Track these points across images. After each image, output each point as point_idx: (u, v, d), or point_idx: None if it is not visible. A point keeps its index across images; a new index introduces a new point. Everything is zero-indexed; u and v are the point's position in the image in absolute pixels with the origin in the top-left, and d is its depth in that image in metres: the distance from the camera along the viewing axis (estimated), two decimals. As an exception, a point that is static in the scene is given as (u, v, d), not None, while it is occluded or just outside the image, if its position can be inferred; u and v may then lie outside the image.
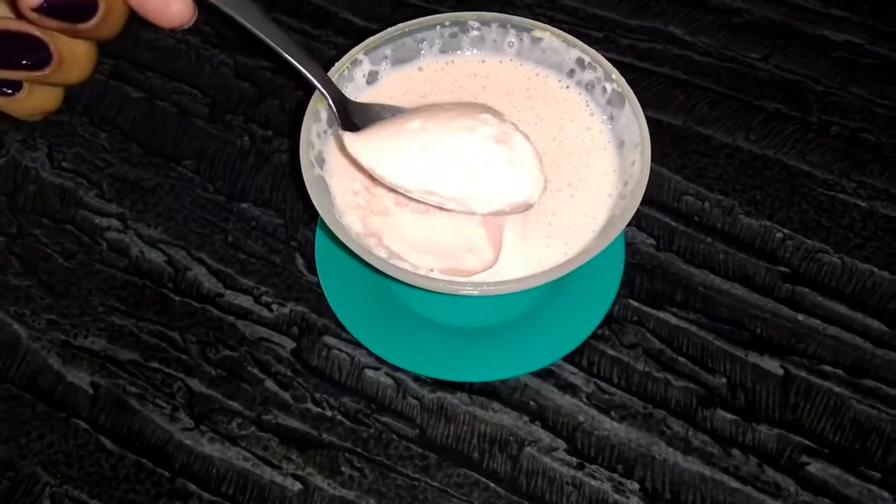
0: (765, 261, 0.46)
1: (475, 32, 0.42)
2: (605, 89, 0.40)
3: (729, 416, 0.41)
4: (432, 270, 0.36)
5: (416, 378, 0.42)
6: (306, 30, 0.57)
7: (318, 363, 0.43)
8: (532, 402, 0.41)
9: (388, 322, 0.44)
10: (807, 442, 0.40)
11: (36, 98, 0.28)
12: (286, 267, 0.47)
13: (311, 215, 0.48)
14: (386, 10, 0.58)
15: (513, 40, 0.42)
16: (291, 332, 0.44)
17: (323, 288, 0.44)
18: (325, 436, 0.41)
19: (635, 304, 0.44)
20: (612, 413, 0.41)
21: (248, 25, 0.32)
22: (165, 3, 0.27)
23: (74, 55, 0.27)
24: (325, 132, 0.39)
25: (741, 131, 0.51)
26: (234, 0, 0.32)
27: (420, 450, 0.40)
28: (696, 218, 0.47)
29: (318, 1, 0.58)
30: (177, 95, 0.54)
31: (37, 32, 0.26)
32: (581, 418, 0.41)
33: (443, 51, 0.43)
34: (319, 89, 0.36)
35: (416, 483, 0.40)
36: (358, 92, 0.42)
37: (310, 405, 0.42)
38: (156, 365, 0.43)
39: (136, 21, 0.27)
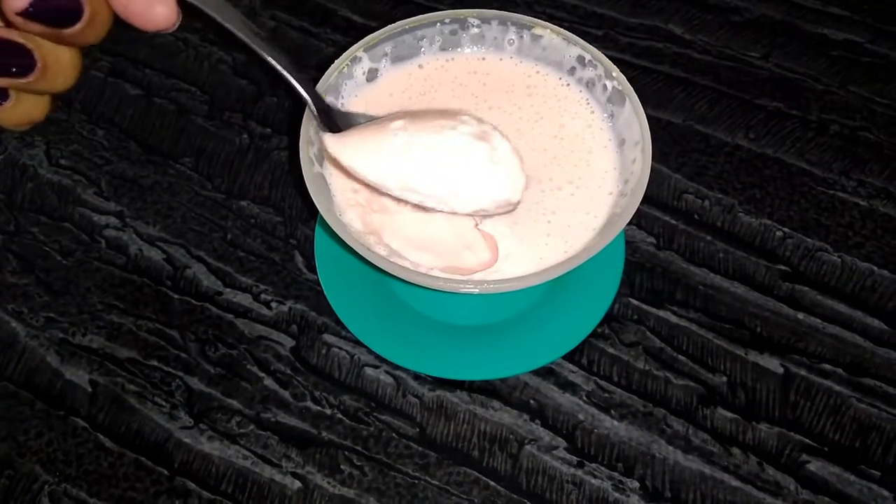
0: (765, 259, 0.46)
1: (475, 30, 0.42)
2: (605, 87, 0.40)
3: (729, 414, 0.41)
4: (432, 269, 0.36)
5: (416, 376, 0.42)
6: (305, 27, 0.57)
7: (318, 361, 0.43)
8: (532, 401, 0.41)
9: (388, 320, 0.44)
10: (807, 440, 0.40)
11: (22, 107, 0.28)
12: (285, 265, 0.46)
13: (311, 213, 0.48)
14: (385, 7, 0.58)
15: (513, 38, 0.42)
16: (291, 331, 0.44)
17: (322, 286, 0.44)
18: (324, 434, 0.41)
19: (635, 302, 0.44)
20: (613, 411, 0.41)
21: (234, 30, 0.32)
22: (149, 8, 0.27)
23: (59, 62, 0.27)
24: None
25: (741, 130, 0.51)
26: (218, 5, 0.31)
27: (420, 448, 0.40)
28: (695, 216, 0.47)
29: (318, -2, 0.58)
30: (175, 93, 0.54)
31: (21, 39, 0.25)
32: (581, 417, 0.41)
33: (443, 48, 0.43)
34: (300, 93, 0.35)
35: (416, 481, 0.40)
36: (357, 89, 0.41)
37: (309, 403, 0.42)
38: (155, 363, 0.43)
39: (119, 25, 0.27)
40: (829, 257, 0.46)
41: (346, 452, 0.40)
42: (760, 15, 0.56)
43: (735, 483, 0.39)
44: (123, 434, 0.41)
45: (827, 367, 0.42)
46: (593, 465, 0.40)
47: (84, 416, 0.42)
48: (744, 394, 0.41)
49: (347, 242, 0.34)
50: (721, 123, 0.51)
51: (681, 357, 0.42)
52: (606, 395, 0.41)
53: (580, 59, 0.41)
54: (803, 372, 0.42)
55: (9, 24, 0.25)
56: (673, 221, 0.47)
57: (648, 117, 0.37)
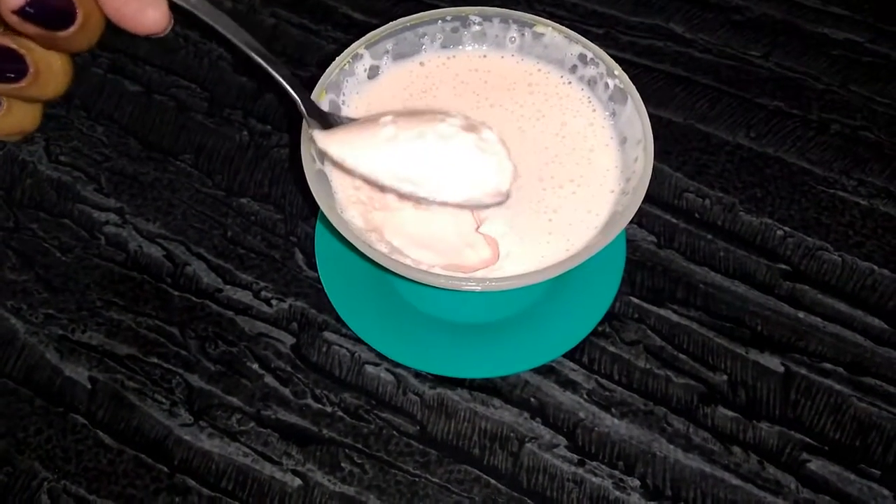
0: (765, 258, 0.46)
1: (477, 27, 0.42)
2: (607, 85, 0.40)
3: (730, 413, 0.41)
4: (433, 266, 0.36)
5: (417, 374, 0.42)
6: (306, 24, 0.57)
7: (318, 359, 0.43)
8: (533, 399, 0.41)
9: (389, 318, 0.44)
10: (807, 439, 0.40)
11: (14, 117, 0.28)
12: (286, 262, 0.46)
13: (311, 210, 0.48)
14: (386, 4, 0.57)
15: (514, 35, 0.42)
16: (291, 328, 0.44)
17: (323, 283, 0.44)
18: (325, 431, 0.41)
19: (636, 301, 0.44)
20: (613, 410, 0.41)
21: (223, 31, 0.32)
22: (140, 11, 0.27)
23: (50, 68, 0.27)
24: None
25: (742, 129, 0.51)
26: (211, 10, 0.31)
27: (420, 446, 0.40)
28: (696, 215, 0.47)
29: (318, -5, 0.58)
30: (175, 89, 0.54)
31: (13, 45, 0.26)
32: (582, 415, 0.41)
33: (444, 45, 0.43)
34: (289, 91, 0.35)
35: (417, 479, 0.39)
36: (359, 86, 0.41)
37: (310, 401, 0.42)
38: (154, 360, 0.43)
39: (111, 28, 0.27)
40: (830, 256, 0.46)
41: (347, 450, 0.40)
42: (761, 14, 0.56)
43: (735, 481, 0.39)
44: (123, 431, 0.41)
45: (827, 365, 0.42)
46: (594, 463, 0.40)
47: (83, 412, 0.42)
48: (744, 392, 0.41)
49: (349, 239, 0.34)
50: (722, 122, 0.51)
51: (681, 355, 0.42)
52: (607, 393, 0.41)
53: (582, 57, 0.41)
54: (804, 371, 0.42)
55: (4, 24, 0.25)
56: (674, 220, 0.47)
57: (649, 116, 0.37)
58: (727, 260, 0.46)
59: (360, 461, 0.40)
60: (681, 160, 0.50)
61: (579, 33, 0.40)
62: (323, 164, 0.38)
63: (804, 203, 0.48)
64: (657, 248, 0.46)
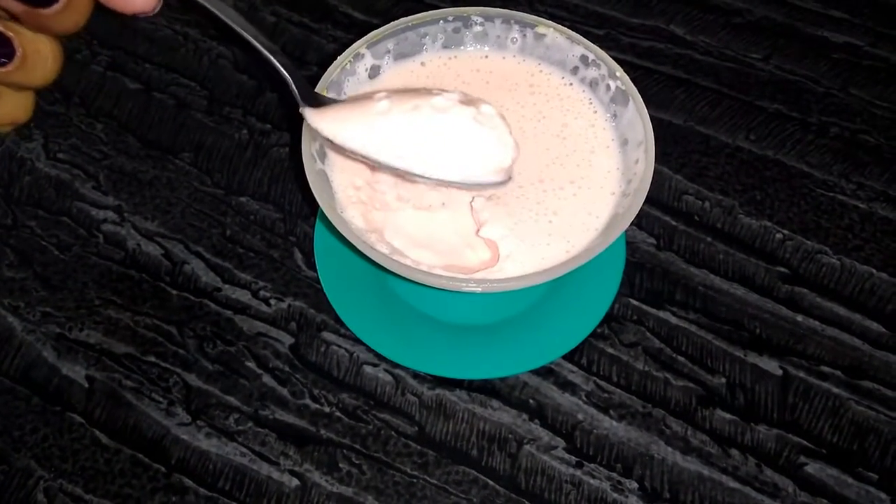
0: (764, 261, 0.46)
1: (478, 28, 0.42)
2: (608, 87, 0.40)
3: (728, 416, 0.41)
4: (433, 267, 0.36)
5: (415, 375, 0.42)
6: (306, 23, 0.56)
7: (317, 359, 0.43)
8: (531, 401, 0.41)
9: (387, 318, 0.44)
10: (805, 442, 0.40)
11: (5, 107, 0.28)
12: (285, 262, 0.46)
13: (311, 210, 0.48)
14: (386, 4, 0.57)
15: (516, 36, 0.42)
16: (290, 328, 0.44)
17: (322, 283, 0.44)
18: (323, 432, 0.41)
19: (635, 303, 0.44)
20: (612, 412, 0.41)
21: (214, 9, 0.31)
22: None
23: (38, 53, 0.26)
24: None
25: (742, 131, 0.51)
26: None
27: (419, 447, 0.40)
28: (696, 217, 0.47)
29: (319, -6, 0.58)
30: (174, 87, 0.54)
31: (0, 28, 0.25)
32: (580, 417, 0.41)
33: (445, 46, 0.43)
34: (276, 65, 0.34)
35: (415, 480, 0.39)
36: (360, 86, 0.41)
37: (308, 401, 0.42)
38: (152, 359, 0.43)
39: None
40: (829, 260, 0.46)
41: (345, 450, 0.40)
42: (762, 17, 0.56)
43: (733, 484, 0.39)
44: (120, 430, 0.41)
45: (826, 369, 0.42)
46: (592, 465, 0.40)
47: (80, 411, 0.42)
48: (743, 395, 0.41)
49: (349, 239, 0.34)
50: (722, 125, 0.51)
51: (680, 358, 0.42)
52: (606, 395, 0.41)
53: (583, 59, 0.41)
54: (802, 374, 0.42)
55: None
56: (673, 222, 0.47)
57: (650, 118, 0.37)
58: (726, 262, 0.46)
59: (357, 462, 0.40)
60: (681, 162, 0.50)
61: (580, 35, 0.40)
62: (324, 163, 0.38)
63: (803, 206, 0.48)
64: (656, 251, 0.46)
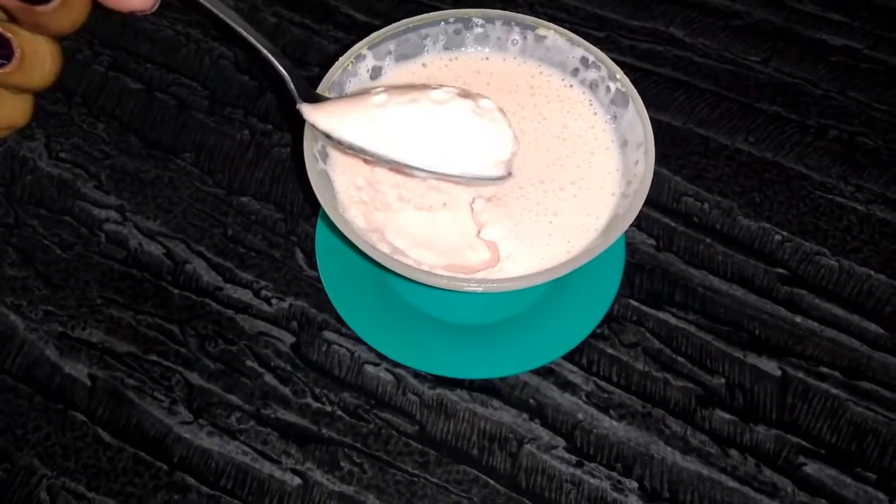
0: (763, 262, 0.46)
1: (479, 29, 0.42)
2: (608, 88, 0.40)
3: (727, 416, 0.41)
4: (434, 267, 0.36)
5: (416, 374, 0.42)
6: (307, 24, 0.57)
7: (318, 358, 0.43)
8: (532, 400, 0.42)
9: (389, 318, 0.44)
10: (804, 443, 0.40)
11: (5, 111, 0.28)
12: (286, 261, 0.46)
13: (312, 209, 0.48)
14: (387, 5, 0.58)
15: (517, 38, 0.42)
16: (291, 327, 0.44)
17: (323, 283, 0.44)
18: (324, 431, 0.41)
19: (635, 303, 0.44)
20: (612, 412, 0.41)
21: (210, 7, 0.31)
22: None
23: (37, 54, 0.26)
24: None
25: (741, 133, 0.51)
26: None
27: (419, 446, 0.40)
28: (695, 219, 0.48)
29: (320, -5, 0.58)
30: (176, 87, 0.54)
31: None
32: (580, 416, 0.41)
33: (447, 47, 0.43)
34: (274, 63, 0.34)
35: (416, 479, 0.40)
36: (361, 87, 0.41)
37: (309, 400, 0.42)
38: (154, 358, 0.43)
39: (100, 11, 0.27)
40: (827, 261, 0.46)
41: (346, 449, 0.40)
42: (761, 20, 0.57)
43: (732, 484, 0.39)
44: (122, 428, 0.41)
45: (824, 370, 0.42)
46: (592, 464, 0.40)
47: (83, 410, 0.42)
48: (742, 396, 0.42)
49: (351, 239, 0.34)
50: (721, 127, 0.52)
51: (679, 358, 0.43)
52: (606, 395, 0.42)
53: (584, 61, 0.41)
54: (801, 375, 0.42)
55: None
56: (673, 223, 0.47)
57: (649, 119, 0.37)
58: (725, 264, 0.46)
59: (359, 461, 0.40)
60: (680, 164, 0.50)
61: (580, 37, 0.40)
62: (326, 163, 0.38)
63: (802, 208, 0.48)
64: (656, 252, 0.46)
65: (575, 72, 0.42)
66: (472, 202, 0.38)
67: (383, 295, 0.44)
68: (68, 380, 0.43)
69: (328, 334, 0.44)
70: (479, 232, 0.37)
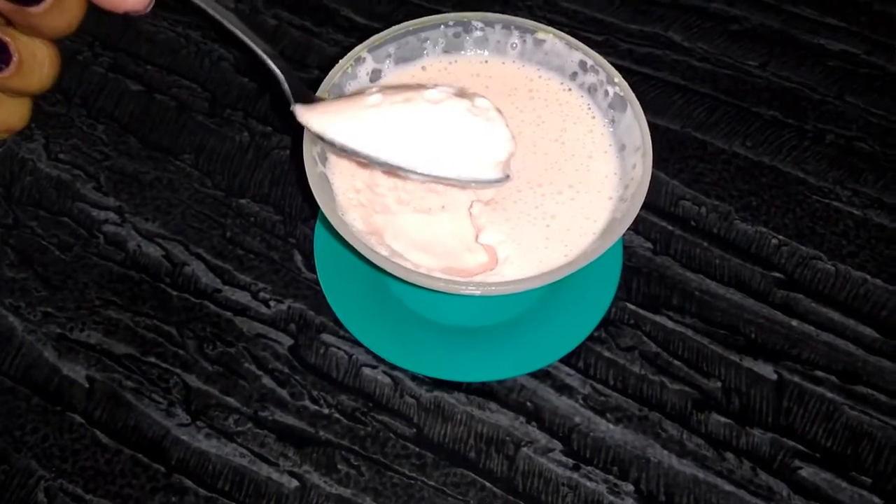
0: (760, 266, 0.46)
1: (479, 33, 0.43)
2: (607, 93, 0.40)
3: (723, 419, 0.41)
4: (432, 270, 0.36)
5: (414, 377, 0.43)
6: (307, 27, 0.57)
7: (316, 360, 0.43)
8: (529, 403, 0.42)
9: (386, 320, 0.44)
10: (799, 446, 0.40)
11: (2, 115, 0.28)
12: (284, 263, 0.47)
13: (311, 212, 0.48)
14: (387, 8, 0.58)
15: (516, 41, 0.42)
16: (289, 329, 0.44)
17: (321, 285, 0.44)
18: (321, 433, 0.41)
19: (632, 307, 0.45)
20: (608, 415, 0.41)
21: (207, 8, 0.31)
22: None
23: (35, 57, 0.26)
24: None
25: (738, 137, 0.51)
26: None
27: (417, 449, 0.41)
28: (692, 222, 0.48)
29: (320, -2, 0.58)
30: (176, 89, 0.54)
31: None
32: (577, 420, 0.41)
33: (446, 50, 0.43)
34: (269, 65, 0.34)
35: (413, 482, 0.40)
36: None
37: (307, 402, 0.42)
38: (152, 360, 0.43)
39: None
40: (824, 265, 0.46)
41: (344, 452, 0.40)
42: (759, 24, 0.57)
43: (728, 488, 0.39)
44: (120, 430, 0.41)
45: (820, 374, 0.42)
46: (589, 468, 0.40)
47: (81, 411, 0.42)
48: (738, 399, 0.42)
49: (350, 242, 0.34)
50: (719, 131, 0.52)
51: (676, 362, 0.43)
52: (602, 398, 0.42)
53: (582, 64, 0.41)
54: (796, 378, 0.42)
55: None
56: (670, 227, 0.48)
57: (647, 123, 0.37)
58: (722, 268, 0.46)
59: (356, 463, 0.40)
60: (677, 168, 0.50)
61: (579, 40, 0.41)
62: (325, 166, 0.38)
63: (799, 212, 0.48)
64: (653, 255, 0.46)
65: (573, 76, 0.42)
66: (471, 206, 0.38)
67: (381, 298, 0.45)
68: (66, 381, 0.43)
69: (326, 337, 0.44)
70: (477, 236, 0.37)
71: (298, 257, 0.47)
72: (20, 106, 0.28)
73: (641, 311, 0.44)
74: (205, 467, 0.40)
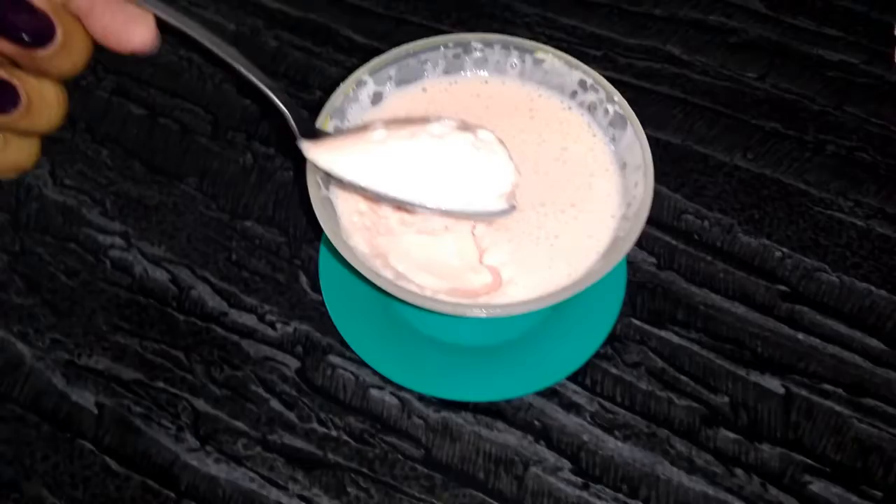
0: (764, 279, 0.46)
1: (478, 54, 0.43)
2: (607, 111, 0.41)
3: (731, 435, 0.41)
4: (438, 291, 0.36)
5: (421, 397, 0.43)
6: (308, 47, 0.57)
7: (323, 382, 0.43)
8: (536, 422, 0.42)
9: (393, 341, 0.44)
10: (809, 461, 0.40)
11: (10, 153, 0.28)
12: (290, 285, 0.47)
13: (315, 233, 0.48)
14: (387, 27, 0.58)
15: (515, 61, 0.43)
16: (296, 352, 0.44)
17: (327, 306, 0.45)
18: (330, 456, 0.41)
19: (637, 322, 0.45)
20: (616, 432, 0.41)
21: (209, 45, 0.32)
22: (128, 29, 0.27)
23: (43, 99, 0.27)
24: (331, 154, 0.39)
25: (739, 150, 0.52)
26: (191, 23, 0.31)
27: (426, 470, 0.41)
28: (695, 236, 0.48)
29: (320, 18, 0.59)
30: (179, 112, 0.54)
31: (4, 74, 0.25)
32: (585, 438, 0.41)
33: (446, 71, 0.43)
34: (273, 100, 0.35)
35: (422, 503, 0.40)
36: (363, 113, 0.42)
37: (315, 425, 0.42)
38: (161, 384, 0.43)
39: (110, 51, 0.27)
40: (828, 277, 0.46)
41: (353, 474, 0.41)
42: (757, 36, 0.57)
43: None
44: (130, 456, 0.41)
45: (827, 387, 0.42)
46: (598, 486, 0.40)
47: (90, 438, 0.42)
48: (746, 414, 0.42)
49: (356, 267, 0.34)
50: (719, 144, 0.52)
51: (683, 377, 0.43)
52: (610, 415, 0.42)
53: (582, 83, 0.41)
54: (804, 392, 0.42)
55: None
56: (673, 242, 0.48)
57: (647, 137, 0.38)
58: (726, 281, 0.46)
59: (365, 486, 0.40)
60: (679, 181, 0.50)
61: (577, 56, 0.41)
62: (328, 190, 0.39)
63: (802, 224, 0.48)
64: (657, 270, 0.47)
65: (573, 94, 0.42)
66: (474, 228, 0.38)
67: (387, 318, 0.45)
68: (75, 408, 0.43)
69: (333, 358, 0.44)
70: (481, 257, 0.38)
71: (304, 279, 0.47)
72: (29, 146, 0.28)
73: (647, 327, 0.45)
74: (214, 492, 0.40)
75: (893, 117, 0.53)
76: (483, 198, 0.35)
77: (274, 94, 0.34)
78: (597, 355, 0.43)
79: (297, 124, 0.35)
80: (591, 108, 0.42)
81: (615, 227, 0.38)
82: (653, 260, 0.47)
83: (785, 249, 0.47)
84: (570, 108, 0.42)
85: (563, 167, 0.41)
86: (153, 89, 0.56)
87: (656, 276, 0.46)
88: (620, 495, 0.40)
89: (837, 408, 0.42)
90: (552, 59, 0.42)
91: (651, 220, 0.48)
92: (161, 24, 0.29)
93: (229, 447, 0.41)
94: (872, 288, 0.46)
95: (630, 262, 0.47)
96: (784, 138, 0.52)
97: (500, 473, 0.40)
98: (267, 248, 0.48)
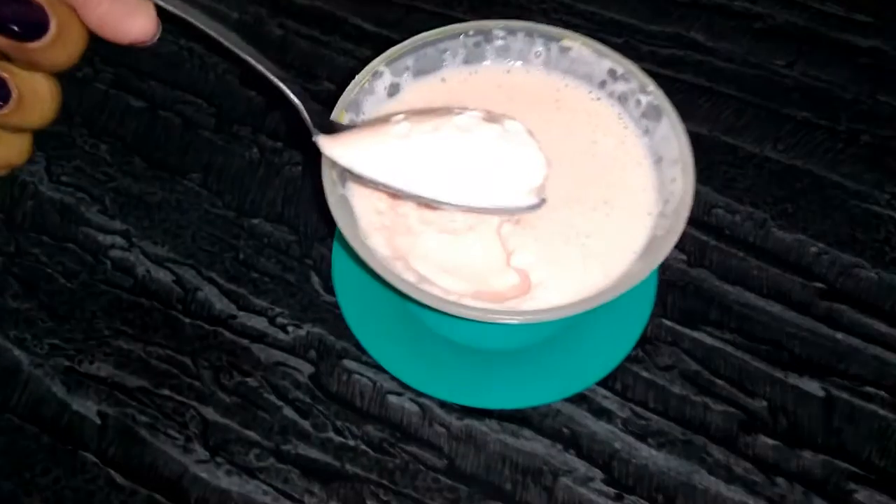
0: (800, 276, 0.44)
1: (500, 42, 0.40)
2: (639, 101, 0.38)
3: (771, 441, 0.39)
4: (462, 295, 0.34)
5: (443, 404, 0.41)
6: (315, 36, 0.55)
7: (339, 389, 0.41)
8: (565, 429, 0.40)
9: (411, 344, 0.42)
10: (853, 468, 0.38)
11: (1, 151, 0.27)
12: (301, 286, 0.44)
13: (328, 230, 0.46)
14: (397, 15, 0.56)
15: (540, 50, 0.40)
16: (309, 356, 0.42)
17: (341, 308, 0.42)
18: (348, 467, 0.39)
19: (668, 323, 0.43)
20: (650, 440, 0.39)
21: (214, 34, 0.30)
22: (126, 19, 0.25)
23: (35, 93, 0.26)
24: (347, 148, 0.37)
25: (769, 141, 0.49)
26: (194, 11, 0.29)
27: (449, 481, 0.39)
28: (727, 231, 0.46)
29: (326, 6, 0.56)
30: (181, 105, 0.52)
31: None
32: (617, 446, 0.39)
33: (466, 61, 0.41)
34: (286, 92, 0.32)
35: (446, 517, 0.38)
36: (379, 105, 0.39)
37: (331, 434, 0.40)
38: (167, 392, 0.41)
39: (104, 41, 0.26)
40: (867, 274, 0.44)
41: (372, 486, 0.38)
42: (784, 22, 0.55)
43: (779, 514, 0.38)
44: (136, 469, 0.39)
45: (870, 389, 0.40)
46: (633, 497, 0.38)
47: (93, 450, 0.40)
48: (785, 419, 0.40)
49: (377, 271, 0.32)
50: (748, 134, 0.50)
51: (718, 381, 0.41)
52: (643, 422, 0.40)
53: (612, 73, 0.39)
54: (845, 395, 0.40)
55: None
56: (704, 237, 0.45)
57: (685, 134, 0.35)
58: (760, 279, 0.44)
59: (386, 498, 0.38)
60: (708, 174, 0.48)
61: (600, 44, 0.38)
62: (344, 188, 0.36)
63: (837, 218, 0.46)
64: (688, 267, 0.44)
65: (602, 84, 0.40)
66: (500, 227, 0.36)
67: (405, 320, 0.43)
68: (77, 418, 0.41)
69: (348, 363, 0.42)
70: (508, 259, 0.35)
71: (316, 279, 0.45)
72: (21, 141, 0.27)
73: (679, 328, 0.42)
74: (226, 507, 0.38)
75: (929, 106, 0.50)
76: (513, 193, 0.33)
77: (286, 85, 0.32)
78: (627, 358, 0.41)
79: (310, 117, 0.33)
80: (621, 99, 0.39)
81: (652, 226, 0.36)
82: (683, 257, 0.45)
83: (821, 245, 0.45)
84: (598, 98, 0.40)
85: (592, 161, 0.38)
86: (153, 81, 0.53)
87: (687, 273, 0.44)
88: (657, 508, 0.38)
89: (881, 411, 0.40)
90: (580, 47, 0.39)
91: (679, 215, 0.46)
92: (161, 13, 0.27)
93: (241, 458, 0.39)
94: (913, 285, 0.44)
95: (658, 259, 0.45)
96: (815, 128, 0.50)
97: (528, 484, 0.38)
98: (276, 247, 0.46)
